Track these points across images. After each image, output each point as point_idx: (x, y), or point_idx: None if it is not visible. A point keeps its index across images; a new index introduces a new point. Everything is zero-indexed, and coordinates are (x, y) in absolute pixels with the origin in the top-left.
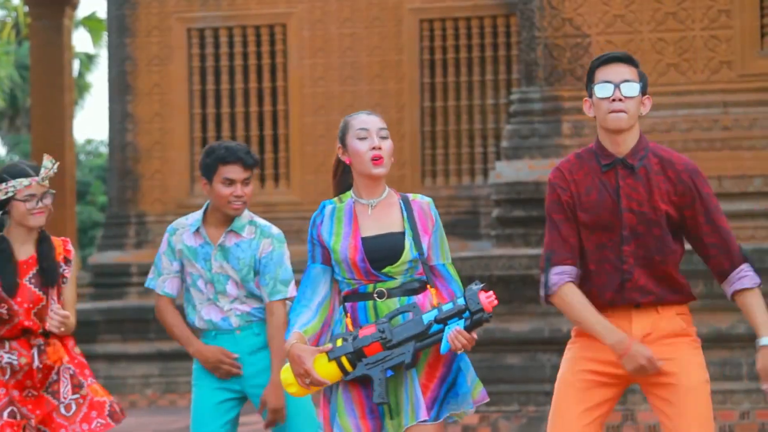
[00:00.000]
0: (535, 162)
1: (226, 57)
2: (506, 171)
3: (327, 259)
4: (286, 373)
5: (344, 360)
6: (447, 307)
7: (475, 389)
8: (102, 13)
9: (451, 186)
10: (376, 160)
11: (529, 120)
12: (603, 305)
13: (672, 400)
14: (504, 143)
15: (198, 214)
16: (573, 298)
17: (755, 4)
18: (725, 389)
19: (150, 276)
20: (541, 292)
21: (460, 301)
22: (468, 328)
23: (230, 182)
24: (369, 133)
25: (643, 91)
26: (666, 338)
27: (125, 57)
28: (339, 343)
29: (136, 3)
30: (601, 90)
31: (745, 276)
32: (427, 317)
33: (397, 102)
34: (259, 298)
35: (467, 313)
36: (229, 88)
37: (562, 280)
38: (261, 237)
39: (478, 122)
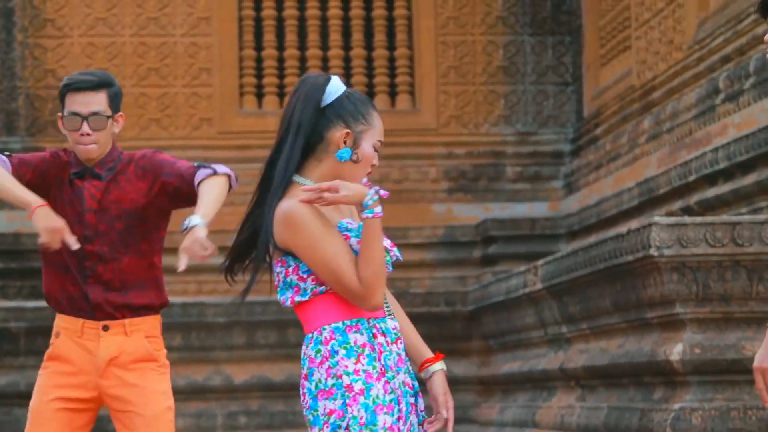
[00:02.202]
0: (14, 213)
1: None
2: None
3: None
4: None
5: None
6: None
7: None
8: None
9: None
10: None
11: None
12: (65, 300)
13: (133, 429)
14: None
15: None
16: None
17: (235, 63)
18: None
19: None
20: None
21: None
22: None
23: None
24: None
25: (115, 110)
26: (133, 363)
27: None
28: None
29: None
30: (70, 122)
31: (207, 168)
32: None
33: None
34: None
35: None
36: None
37: None
38: None
39: None
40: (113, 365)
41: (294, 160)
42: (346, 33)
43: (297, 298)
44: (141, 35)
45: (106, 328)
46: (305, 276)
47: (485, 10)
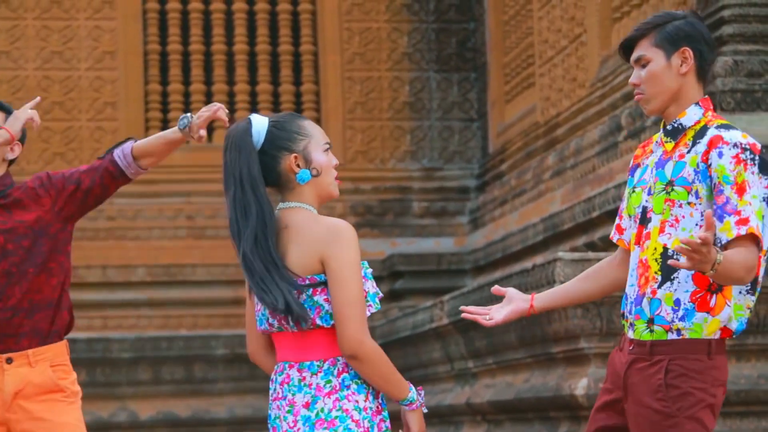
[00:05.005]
0: None
1: None
2: None
3: None
4: None
5: None
6: None
7: None
8: None
9: None
10: None
11: None
12: None
13: None
14: None
15: None
16: None
17: (140, 97)
18: None
19: None
20: None
21: None
22: None
23: None
24: None
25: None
26: (40, 395)
27: None
28: None
29: None
30: None
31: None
32: None
33: None
34: None
35: None
36: None
37: None
38: None
39: None
40: (19, 398)
41: (256, 209)
42: (252, 68)
43: (318, 321)
44: (45, 69)
45: (9, 360)
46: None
47: (391, 46)
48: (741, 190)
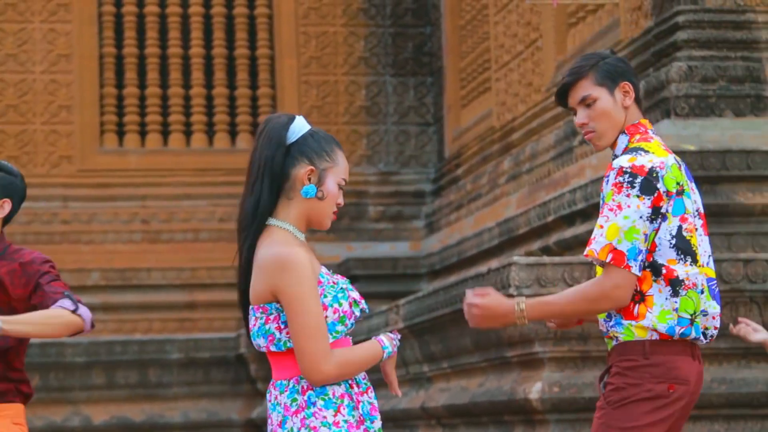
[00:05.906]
0: None
1: None
2: None
3: None
4: None
5: None
6: None
7: None
8: None
9: None
10: None
11: None
12: None
13: None
14: None
15: None
16: None
17: (95, 101)
18: None
19: None
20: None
21: None
22: None
23: None
24: None
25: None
26: None
27: None
28: None
29: None
30: None
31: (72, 303)
32: None
33: None
34: None
35: None
36: None
37: None
38: None
39: None
40: None
41: (264, 201)
42: (209, 71)
43: (272, 348)
44: None
45: None
46: (283, 327)
47: (348, 50)
48: (600, 213)
